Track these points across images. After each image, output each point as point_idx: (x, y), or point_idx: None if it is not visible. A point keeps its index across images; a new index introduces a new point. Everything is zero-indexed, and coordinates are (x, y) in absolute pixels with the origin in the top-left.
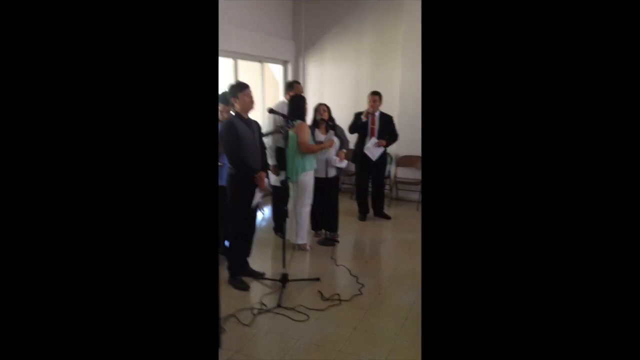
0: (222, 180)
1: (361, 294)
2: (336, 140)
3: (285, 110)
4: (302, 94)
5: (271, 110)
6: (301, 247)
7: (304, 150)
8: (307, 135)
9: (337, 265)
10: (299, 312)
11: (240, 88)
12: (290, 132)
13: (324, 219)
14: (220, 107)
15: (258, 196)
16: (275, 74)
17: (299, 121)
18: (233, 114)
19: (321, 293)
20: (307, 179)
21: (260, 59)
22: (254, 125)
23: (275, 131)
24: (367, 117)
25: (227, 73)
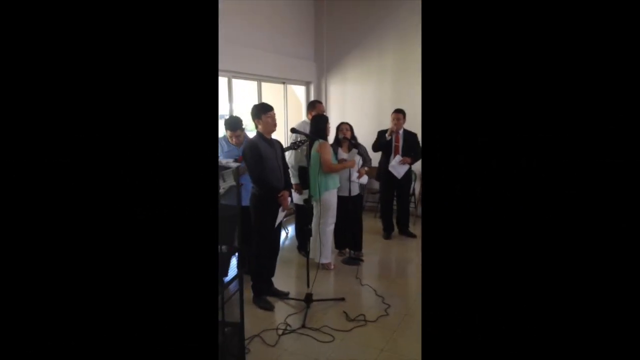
0: (245, 201)
1: (387, 314)
2: (358, 158)
3: (307, 130)
4: (324, 113)
5: (293, 130)
6: (325, 267)
7: (327, 170)
8: (329, 154)
9: (362, 285)
10: (324, 332)
11: (263, 110)
12: (313, 152)
13: (348, 237)
14: (229, 133)
15: (281, 215)
16: (298, 94)
17: (321, 140)
18: (255, 133)
19: (346, 313)
20: (330, 197)
21: (284, 81)
22: (277, 145)
23: (291, 147)
24: (390, 135)
25: (251, 95)
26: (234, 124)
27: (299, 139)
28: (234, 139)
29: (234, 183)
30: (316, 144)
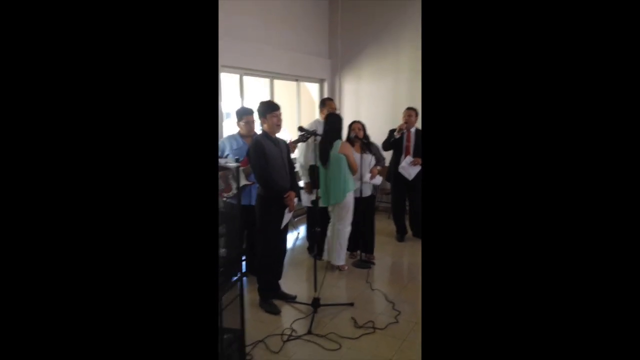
0: (252, 200)
1: (397, 322)
2: (370, 158)
3: (320, 129)
4: (337, 111)
5: (301, 129)
6: (341, 268)
7: (356, 171)
8: (353, 155)
9: (373, 290)
10: (330, 340)
11: (269, 109)
12: (334, 152)
13: (360, 239)
14: (238, 123)
15: (287, 217)
16: (312, 92)
17: (342, 141)
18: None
19: (355, 320)
20: (350, 199)
21: (297, 78)
22: (282, 144)
23: (300, 140)
24: (400, 133)
25: (263, 92)
26: (243, 111)
27: (304, 133)
28: (244, 127)
29: (246, 182)
30: (337, 145)
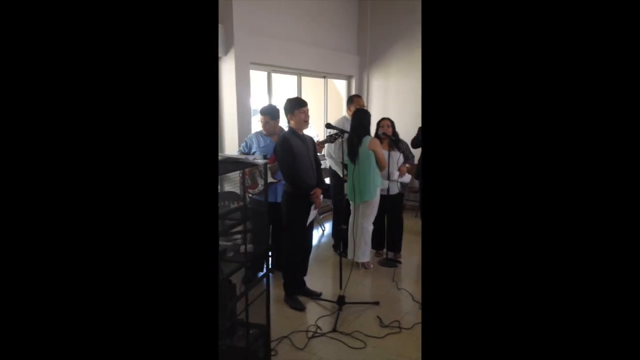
0: (278, 197)
1: None
2: (398, 155)
3: (347, 126)
4: (365, 107)
5: (328, 126)
6: (366, 266)
7: (384, 167)
8: (382, 152)
9: (399, 289)
10: (355, 338)
11: (297, 105)
12: (363, 149)
13: (386, 237)
14: (261, 118)
15: (313, 214)
16: (339, 88)
17: (371, 137)
18: (286, 129)
19: (380, 319)
20: (377, 195)
21: (324, 75)
22: (309, 141)
23: (328, 140)
24: None
25: (291, 89)
26: (268, 110)
27: (334, 132)
28: (265, 126)
29: (272, 180)
30: (365, 141)
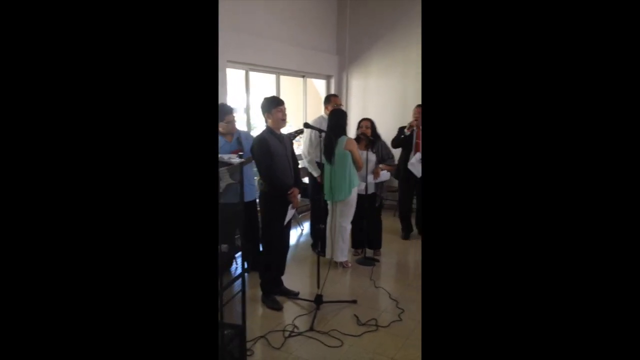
0: (253, 195)
1: (401, 320)
2: (372, 157)
3: (324, 125)
4: (341, 107)
5: (307, 125)
6: (344, 265)
7: (361, 167)
8: (358, 152)
9: (376, 287)
10: (332, 336)
11: (273, 104)
12: (340, 149)
13: (364, 236)
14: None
15: (290, 213)
16: (319, 88)
17: (348, 137)
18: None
19: (357, 317)
20: (355, 195)
21: (303, 74)
22: (286, 140)
23: (293, 136)
24: (410, 130)
25: (269, 88)
26: (223, 109)
27: (294, 131)
28: (225, 127)
29: (230, 181)
30: (342, 141)
